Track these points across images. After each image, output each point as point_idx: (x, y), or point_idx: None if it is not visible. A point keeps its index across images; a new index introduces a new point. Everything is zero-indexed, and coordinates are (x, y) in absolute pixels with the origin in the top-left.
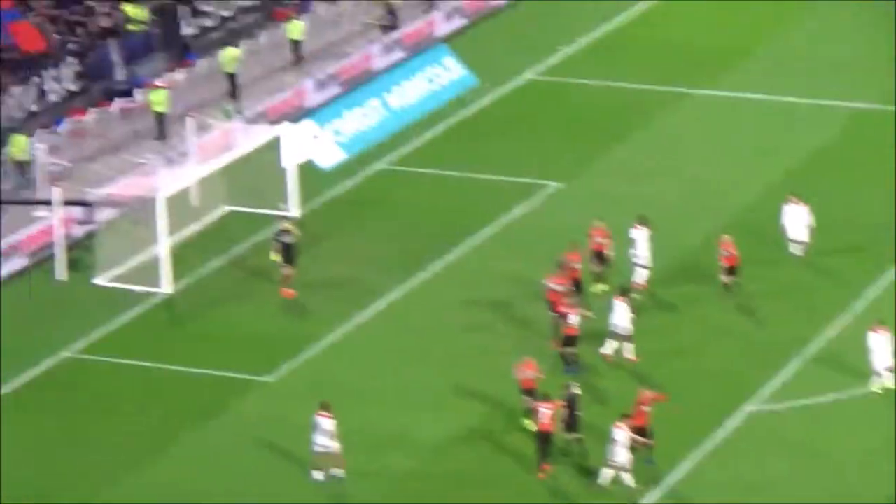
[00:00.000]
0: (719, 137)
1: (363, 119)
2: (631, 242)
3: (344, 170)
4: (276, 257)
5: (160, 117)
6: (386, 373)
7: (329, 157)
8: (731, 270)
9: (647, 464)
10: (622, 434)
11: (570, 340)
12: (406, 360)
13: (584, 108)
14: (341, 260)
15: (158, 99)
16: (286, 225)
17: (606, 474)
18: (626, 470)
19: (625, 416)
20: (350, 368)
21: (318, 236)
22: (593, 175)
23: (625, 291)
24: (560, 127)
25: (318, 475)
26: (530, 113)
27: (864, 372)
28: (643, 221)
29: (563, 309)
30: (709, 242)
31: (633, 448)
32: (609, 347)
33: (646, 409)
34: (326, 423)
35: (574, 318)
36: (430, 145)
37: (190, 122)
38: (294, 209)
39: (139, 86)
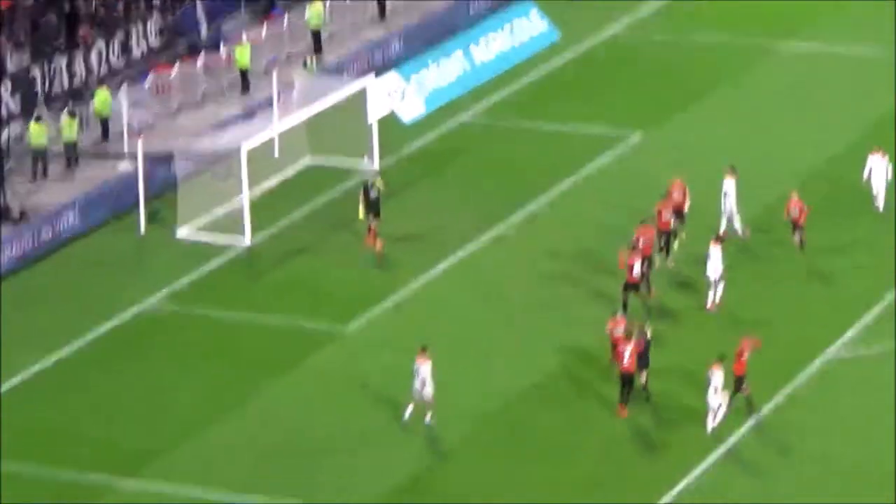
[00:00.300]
0: (804, 91)
1: (445, 73)
2: (722, 192)
3: (426, 123)
4: (362, 213)
5: (244, 72)
6: (465, 322)
7: (411, 110)
8: (797, 226)
9: (749, 415)
10: (718, 377)
11: (629, 286)
12: (486, 310)
13: (669, 63)
14: (421, 212)
15: (242, 54)
16: (373, 179)
17: (709, 421)
18: (721, 412)
19: (721, 360)
20: (430, 319)
21: (399, 189)
22: (676, 126)
23: (719, 238)
24: (643, 82)
25: (408, 418)
26: (613, 68)
27: None
28: (734, 170)
29: (627, 258)
30: (796, 190)
31: (733, 394)
32: (709, 298)
33: (745, 356)
34: (425, 368)
35: (637, 269)
36: (511, 99)
37: (274, 77)
38: (375, 162)
39: (223, 41)
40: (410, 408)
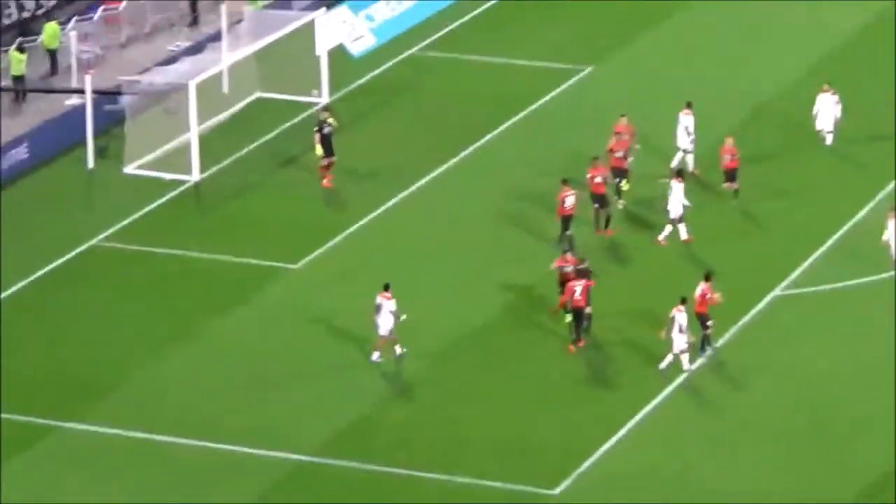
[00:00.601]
0: (755, 23)
1: (395, 5)
2: (679, 128)
3: (376, 56)
4: (318, 149)
5: (193, 4)
6: (416, 259)
7: (360, 43)
8: (731, 174)
9: (703, 351)
10: (682, 317)
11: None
12: (436, 247)
13: None
14: (372, 148)
15: None
16: (325, 115)
17: (668, 359)
18: (684, 352)
19: (684, 300)
20: (380, 255)
21: (349, 124)
22: (628, 59)
23: (680, 174)
24: (595, 10)
25: (377, 357)
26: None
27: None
28: (690, 106)
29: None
30: (745, 127)
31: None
32: (664, 232)
33: (709, 297)
34: (389, 304)
35: (570, 200)
36: (463, 32)
37: (223, 9)
38: (325, 96)
39: None
40: (377, 353)
